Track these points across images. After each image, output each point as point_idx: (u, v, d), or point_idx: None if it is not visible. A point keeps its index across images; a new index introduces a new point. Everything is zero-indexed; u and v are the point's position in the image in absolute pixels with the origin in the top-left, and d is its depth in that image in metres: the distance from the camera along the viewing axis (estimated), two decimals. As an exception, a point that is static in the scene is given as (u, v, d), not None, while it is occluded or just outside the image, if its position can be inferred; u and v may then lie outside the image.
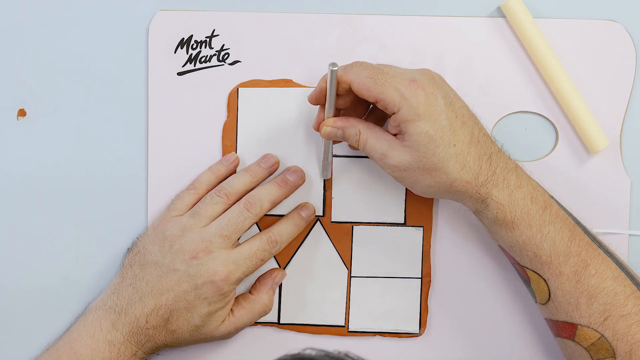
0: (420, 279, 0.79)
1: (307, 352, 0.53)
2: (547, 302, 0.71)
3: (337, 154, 0.79)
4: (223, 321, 0.75)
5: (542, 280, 0.71)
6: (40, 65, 0.79)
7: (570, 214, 0.72)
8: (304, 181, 0.77)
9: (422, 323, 0.79)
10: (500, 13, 0.78)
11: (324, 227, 0.79)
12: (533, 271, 0.71)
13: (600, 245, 0.72)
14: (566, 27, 0.78)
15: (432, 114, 0.67)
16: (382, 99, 0.68)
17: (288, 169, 0.77)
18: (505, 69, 0.78)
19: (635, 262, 0.79)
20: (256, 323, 0.79)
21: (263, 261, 0.74)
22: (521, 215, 0.69)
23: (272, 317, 0.79)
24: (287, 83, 0.78)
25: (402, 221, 0.79)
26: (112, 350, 0.73)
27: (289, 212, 0.78)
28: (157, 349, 0.75)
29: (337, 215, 0.79)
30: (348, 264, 0.79)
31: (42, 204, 0.79)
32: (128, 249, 0.77)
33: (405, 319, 0.79)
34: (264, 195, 0.75)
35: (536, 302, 0.73)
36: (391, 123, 0.69)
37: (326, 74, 0.69)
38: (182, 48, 0.78)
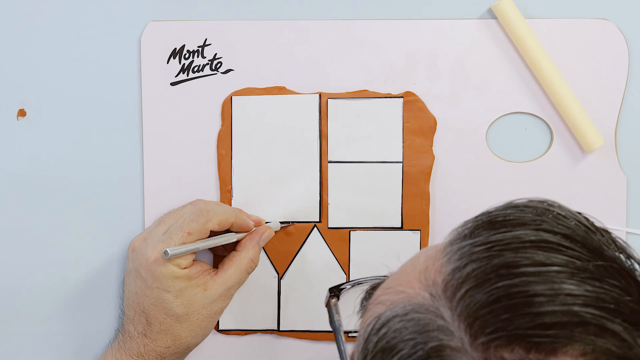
0: (419, 282, 0.79)
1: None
2: None
3: (333, 159, 0.79)
4: (206, 289, 0.73)
5: None
6: (40, 66, 0.79)
7: None
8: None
9: (421, 326, 0.79)
10: (492, 15, 0.78)
11: (321, 233, 0.79)
12: None
13: None
14: (558, 27, 0.78)
15: None
16: None
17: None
18: (498, 70, 0.78)
19: (634, 259, 0.79)
20: (256, 330, 0.80)
21: (191, 234, 0.71)
22: None
23: (271, 324, 0.80)
24: (280, 90, 0.78)
25: (399, 225, 0.79)
26: None
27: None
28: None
29: (334, 220, 0.79)
30: (346, 269, 0.79)
31: (42, 204, 0.80)
32: None
33: (405, 323, 0.79)
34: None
35: None
36: None
37: None
38: (174, 58, 0.78)
